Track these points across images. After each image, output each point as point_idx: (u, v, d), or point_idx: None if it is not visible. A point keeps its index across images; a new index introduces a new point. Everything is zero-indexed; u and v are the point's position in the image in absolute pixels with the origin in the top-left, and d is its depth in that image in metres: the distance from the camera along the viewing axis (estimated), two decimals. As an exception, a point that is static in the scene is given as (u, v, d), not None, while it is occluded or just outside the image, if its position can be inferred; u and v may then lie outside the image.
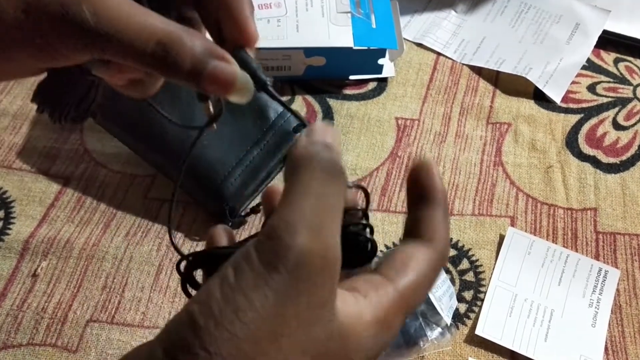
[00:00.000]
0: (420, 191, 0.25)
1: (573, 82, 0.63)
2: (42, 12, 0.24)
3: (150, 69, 0.25)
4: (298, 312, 0.21)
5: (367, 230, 0.25)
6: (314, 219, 0.21)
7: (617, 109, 0.62)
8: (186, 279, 0.26)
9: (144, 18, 0.24)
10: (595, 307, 0.48)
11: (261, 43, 0.49)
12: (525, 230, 0.52)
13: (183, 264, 0.27)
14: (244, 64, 0.26)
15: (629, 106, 0.62)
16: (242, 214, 0.53)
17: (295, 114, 0.28)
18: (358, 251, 0.25)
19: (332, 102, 0.62)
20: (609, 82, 0.64)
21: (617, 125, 0.60)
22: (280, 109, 0.55)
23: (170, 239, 0.30)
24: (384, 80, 0.64)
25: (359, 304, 0.23)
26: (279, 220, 0.21)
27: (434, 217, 0.25)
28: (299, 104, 0.62)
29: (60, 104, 0.32)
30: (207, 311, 0.21)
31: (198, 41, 0.25)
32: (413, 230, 0.26)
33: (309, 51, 0.60)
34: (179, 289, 0.49)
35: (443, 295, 0.47)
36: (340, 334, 0.22)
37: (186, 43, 0.24)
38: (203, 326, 0.20)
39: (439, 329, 0.46)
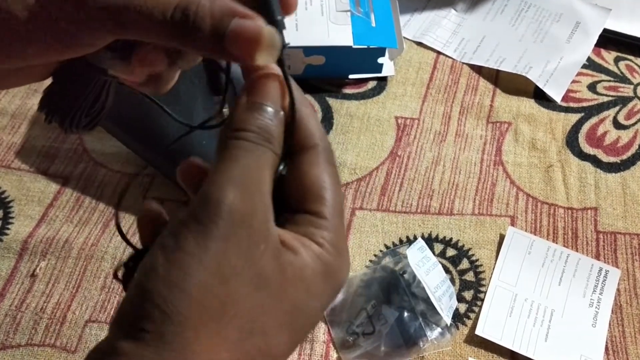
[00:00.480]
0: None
1: (573, 81, 0.63)
2: None
3: (172, 40, 0.24)
4: (240, 253, 0.22)
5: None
6: (239, 178, 0.23)
7: (617, 108, 0.61)
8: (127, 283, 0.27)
9: None
10: (596, 307, 0.48)
11: None
12: (526, 230, 0.52)
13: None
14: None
15: (630, 105, 0.62)
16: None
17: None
18: None
19: (332, 101, 0.62)
20: (609, 81, 0.64)
21: (617, 125, 0.60)
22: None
23: (119, 229, 0.30)
24: (383, 79, 0.64)
25: (304, 243, 0.24)
26: (210, 185, 0.23)
27: (301, 119, 0.25)
28: (299, 103, 0.62)
29: (71, 112, 0.31)
30: (154, 277, 0.22)
31: (217, 1, 0.23)
32: (293, 143, 0.26)
33: (308, 50, 0.60)
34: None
35: (443, 295, 0.47)
36: (293, 268, 0.24)
37: (205, 4, 0.23)
38: (151, 288, 0.21)
39: (439, 329, 0.46)
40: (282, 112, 0.25)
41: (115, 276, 0.27)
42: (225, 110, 0.29)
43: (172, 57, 0.28)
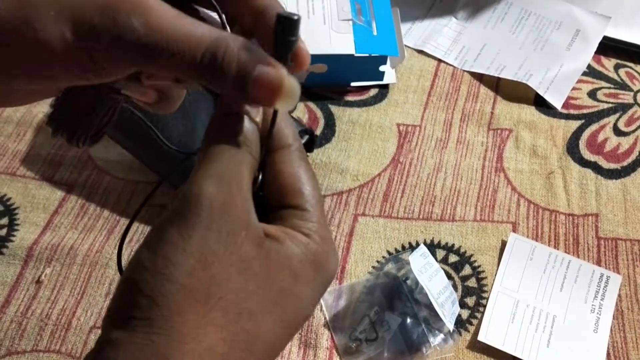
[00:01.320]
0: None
1: (574, 88, 0.64)
2: (90, 29, 0.24)
3: (198, 79, 0.25)
4: (221, 239, 0.23)
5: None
6: (217, 174, 0.24)
7: (617, 114, 0.62)
8: None
9: (192, 27, 0.24)
10: (597, 313, 0.48)
11: None
12: (527, 236, 0.53)
13: None
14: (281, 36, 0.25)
15: (630, 112, 0.62)
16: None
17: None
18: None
19: (334, 109, 0.63)
20: (609, 88, 0.64)
21: (617, 131, 0.61)
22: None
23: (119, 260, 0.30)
24: (385, 87, 0.65)
25: (289, 233, 0.25)
26: (190, 183, 0.24)
27: (279, 122, 0.27)
28: (301, 111, 0.62)
29: (80, 127, 0.31)
30: (139, 268, 0.23)
31: (244, 47, 0.24)
32: (273, 142, 0.27)
33: (311, 58, 0.60)
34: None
35: (445, 302, 0.47)
36: (278, 254, 0.25)
37: (233, 49, 0.24)
38: (137, 279, 0.23)
39: (442, 335, 0.46)
40: (257, 119, 0.27)
41: None
42: None
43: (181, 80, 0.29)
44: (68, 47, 0.24)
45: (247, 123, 0.26)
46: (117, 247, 0.52)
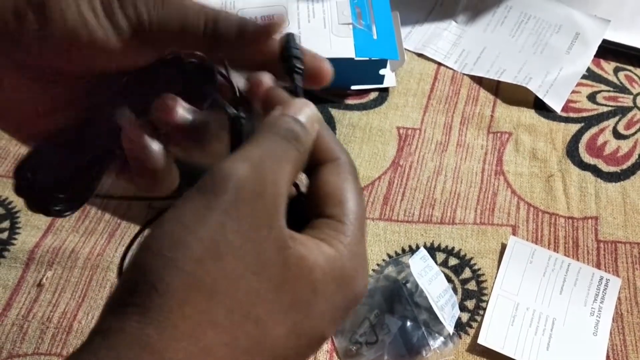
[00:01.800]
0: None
1: (573, 92, 0.64)
2: (157, 29, 0.26)
3: (203, 46, 0.27)
4: (240, 231, 0.21)
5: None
6: (257, 158, 0.22)
7: (617, 118, 0.62)
8: None
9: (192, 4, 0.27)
10: (597, 316, 0.48)
11: None
12: (527, 239, 0.53)
13: None
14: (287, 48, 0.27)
15: (629, 115, 0.62)
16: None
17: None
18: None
19: (334, 112, 0.63)
20: (609, 91, 0.65)
21: (617, 134, 0.61)
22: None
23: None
24: (385, 90, 0.65)
25: (318, 244, 0.24)
26: (224, 161, 0.22)
27: (323, 139, 0.26)
28: (302, 114, 0.62)
29: (51, 188, 0.28)
30: (146, 250, 0.21)
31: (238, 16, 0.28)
32: (316, 158, 0.26)
33: (311, 62, 0.61)
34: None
35: (445, 305, 0.47)
36: (300, 263, 0.22)
37: (229, 14, 0.28)
38: (142, 263, 0.21)
39: (442, 338, 0.46)
40: (314, 127, 0.26)
41: None
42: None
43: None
44: (125, 46, 0.26)
45: (301, 125, 0.25)
46: (117, 250, 0.52)
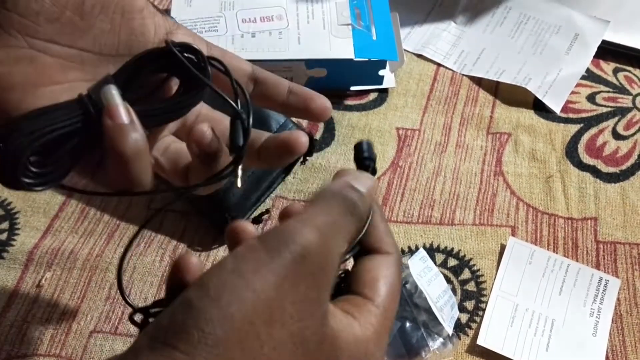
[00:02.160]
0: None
1: (572, 92, 0.64)
2: None
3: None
4: (295, 301, 0.21)
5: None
6: (324, 227, 0.23)
7: (616, 118, 0.62)
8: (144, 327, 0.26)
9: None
10: (596, 317, 0.48)
11: (263, 55, 0.51)
12: (526, 240, 0.53)
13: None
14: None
15: (629, 116, 0.62)
16: (245, 224, 0.53)
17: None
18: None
19: (334, 113, 0.63)
20: (608, 92, 0.65)
21: (616, 135, 0.61)
22: (282, 119, 0.56)
23: (121, 291, 0.29)
24: (384, 91, 0.65)
25: (351, 323, 0.24)
26: (286, 223, 0.22)
27: (379, 230, 0.27)
28: (301, 115, 0.63)
29: (22, 158, 0.27)
30: (203, 293, 0.21)
31: None
32: (369, 246, 0.27)
33: (311, 63, 0.61)
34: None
35: (444, 306, 0.47)
36: (333, 342, 0.23)
37: None
38: (199, 307, 0.21)
39: (441, 339, 0.46)
40: (374, 207, 0.26)
41: (131, 320, 0.26)
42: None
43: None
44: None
45: (363, 199, 0.25)
46: (116, 251, 0.52)
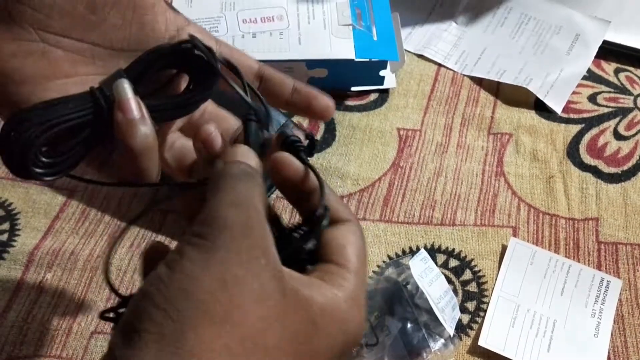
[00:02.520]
0: (303, 188, 0.29)
1: (574, 93, 0.64)
2: None
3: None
4: (241, 263, 0.23)
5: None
6: (234, 201, 0.24)
7: (617, 119, 0.62)
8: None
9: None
10: (598, 318, 0.48)
11: (264, 55, 0.51)
12: (527, 241, 0.53)
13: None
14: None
15: (630, 116, 0.62)
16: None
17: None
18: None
19: (335, 113, 0.63)
20: (609, 92, 0.64)
21: (618, 135, 0.61)
22: (282, 120, 0.56)
23: (107, 278, 0.29)
24: (385, 92, 0.65)
25: (327, 288, 0.25)
26: (204, 211, 0.24)
27: (332, 201, 0.28)
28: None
29: (33, 146, 0.27)
30: (156, 282, 0.22)
31: None
32: (332, 217, 0.28)
33: (311, 63, 0.61)
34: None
35: (446, 306, 0.47)
36: (298, 295, 0.24)
37: None
38: (156, 293, 0.22)
39: (442, 340, 0.46)
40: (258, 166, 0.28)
41: (102, 316, 0.27)
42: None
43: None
44: None
45: (246, 164, 0.27)
46: (117, 252, 0.52)
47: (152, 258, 0.28)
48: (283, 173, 0.28)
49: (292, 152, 0.29)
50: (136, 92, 0.29)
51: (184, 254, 0.23)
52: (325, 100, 0.34)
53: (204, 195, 0.25)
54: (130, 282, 0.50)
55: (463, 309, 0.49)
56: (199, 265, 0.22)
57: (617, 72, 0.66)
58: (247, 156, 0.27)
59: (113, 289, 0.27)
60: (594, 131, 0.61)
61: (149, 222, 0.54)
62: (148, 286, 0.22)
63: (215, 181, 0.26)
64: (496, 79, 0.65)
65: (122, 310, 0.26)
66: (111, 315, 0.27)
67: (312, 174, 0.28)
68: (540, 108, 0.63)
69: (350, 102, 0.64)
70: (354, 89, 0.64)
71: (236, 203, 0.24)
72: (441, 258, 0.52)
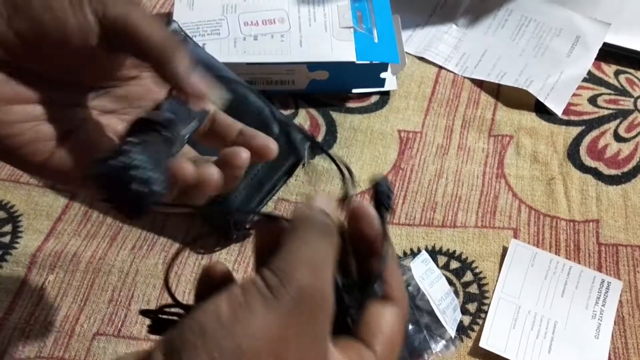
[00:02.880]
0: (369, 248, 0.28)
1: (574, 95, 0.64)
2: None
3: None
4: (298, 338, 0.23)
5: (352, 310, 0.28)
6: (311, 262, 0.24)
7: (618, 120, 0.62)
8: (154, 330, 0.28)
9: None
10: (598, 319, 0.48)
11: (265, 58, 0.51)
12: (528, 242, 0.53)
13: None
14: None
15: (630, 118, 0.62)
16: (247, 226, 0.54)
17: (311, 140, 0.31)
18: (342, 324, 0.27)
19: (336, 115, 0.63)
20: (609, 94, 0.65)
21: (618, 137, 0.61)
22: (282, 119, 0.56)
23: (167, 287, 0.30)
24: (386, 94, 0.65)
25: None
26: (280, 260, 0.24)
27: (393, 277, 0.28)
28: (303, 118, 0.63)
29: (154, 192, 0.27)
30: (215, 321, 0.22)
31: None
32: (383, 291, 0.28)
33: (313, 66, 0.61)
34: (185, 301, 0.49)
35: (447, 308, 0.47)
36: None
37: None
38: (211, 334, 0.22)
39: (443, 342, 0.46)
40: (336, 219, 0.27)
41: (144, 313, 0.27)
42: None
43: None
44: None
45: (335, 206, 0.27)
46: (118, 254, 0.52)
47: (210, 276, 0.28)
48: (359, 225, 0.28)
49: (377, 205, 0.29)
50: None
51: (249, 303, 0.22)
52: (262, 140, 0.35)
53: (278, 230, 0.25)
54: (132, 284, 0.51)
55: (464, 311, 0.49)
56: (260, 320, 0.22)
57: (617, 74, 0.67)
58: (329, 206, 0.27)
59: (175, 299, 0.28)
60: (594, 133, 0.61)
61: (150, 225, 0.54)
62: (206, 321, 0.22)
63: (297, 227, 0.25)
64: (497, 81, 0.65)
65: (164, 316, 0.27)
66: (151, 316, 0.27)
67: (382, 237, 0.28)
68: (541, 110, 0.63)
69: (351, 104, 0.64)
70: (355, 91, 0.64)
71: (313, 265, 0.24)
72: (442, 260, 0.52)
